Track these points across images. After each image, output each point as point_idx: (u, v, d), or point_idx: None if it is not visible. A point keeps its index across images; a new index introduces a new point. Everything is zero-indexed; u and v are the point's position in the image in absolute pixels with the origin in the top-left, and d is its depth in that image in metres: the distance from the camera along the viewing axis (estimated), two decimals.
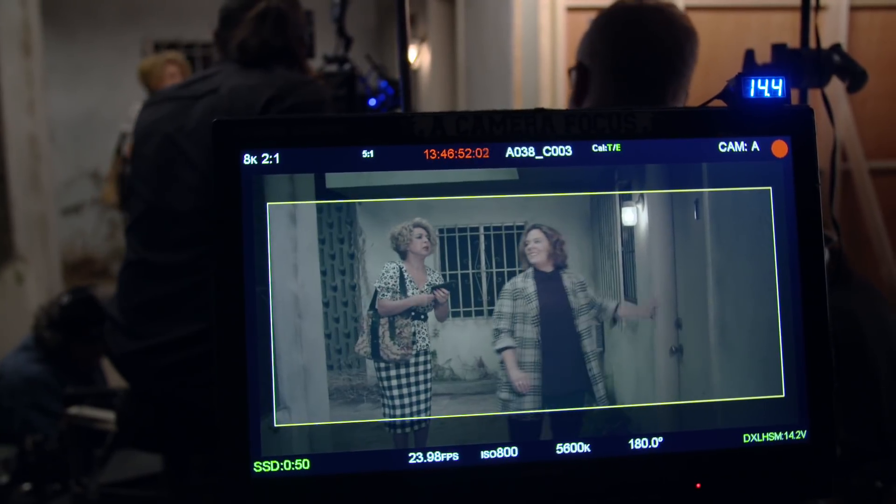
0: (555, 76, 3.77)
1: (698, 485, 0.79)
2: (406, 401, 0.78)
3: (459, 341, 0.79)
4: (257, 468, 0.75)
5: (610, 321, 0.80)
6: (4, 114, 4.32)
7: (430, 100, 6.09)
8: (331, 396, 0.77)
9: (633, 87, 1.38)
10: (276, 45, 1.80)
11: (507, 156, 0.79)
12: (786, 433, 0.80)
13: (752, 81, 0.80)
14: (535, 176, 0.79)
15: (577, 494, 0.79)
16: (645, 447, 0.79)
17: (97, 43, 7.88)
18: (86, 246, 7.90)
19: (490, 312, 0.80)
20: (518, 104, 3.84)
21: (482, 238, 0.80)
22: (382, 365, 0.79)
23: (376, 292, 0.79)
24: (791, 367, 0.79)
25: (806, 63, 1.41)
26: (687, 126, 0.80)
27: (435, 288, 0.80)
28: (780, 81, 0.80)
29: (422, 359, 0.79)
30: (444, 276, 0.80)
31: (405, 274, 0.79)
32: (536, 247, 0.80)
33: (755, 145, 0.80)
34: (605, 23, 1.42)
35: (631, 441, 0.79)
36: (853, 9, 3.81)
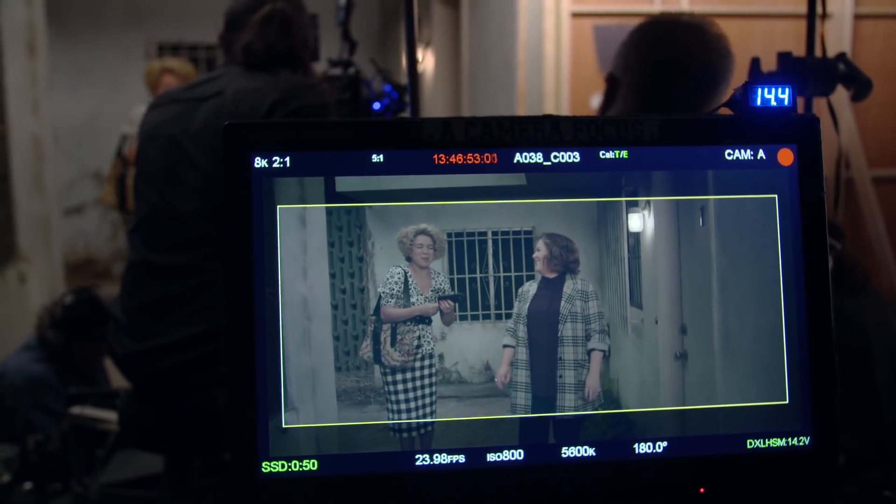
0: (558, 81, 3.78)
1: (702, 489, 0.80)
2: (411, 405, 0.79)
3: (466, 344, 0.80)
4: (265, 468, 0.76)
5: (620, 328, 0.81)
6: (9, 114, 4.33)
7: (433, 104, 6.09)
8: (339, 398, 0.78)
9: (657, 105, 1.38)
10: (280, 48, 1.81)
11: (515, 161, 0.79)
12: (789, 439, 0.80)
13: (759, 90, 0.80)
14: (542, 182, 0.80)
15: (582, 497, 0.79)
16: (649, 451, 0.79)
17: (100, 44, 7.90)
18: (88, 247, 7.91)
19: (497, 316, 0.80)
20: (521, 109, 3.84)
21: (490, 242, 0.80)
22: (387, 370, 0.80)
23: (380, 297, 0.79)
24: (795, 374, 0.80)
25: (811, 71, 1.42)
26: (694, 134, 0.81)
27: (441, 298, 0.80)
28: (787, 90, 0.81)
29: (427, 363, 0.80)
30: (451, 280, 0.80)
31: (410, 279, 0.80)
32: (537, 255, 0.81)
33: (761, 153, 0.81)
34: (639, 38, 1.42)
35: (635, 445, 0.79)
36: (857, 17, 3.82)
